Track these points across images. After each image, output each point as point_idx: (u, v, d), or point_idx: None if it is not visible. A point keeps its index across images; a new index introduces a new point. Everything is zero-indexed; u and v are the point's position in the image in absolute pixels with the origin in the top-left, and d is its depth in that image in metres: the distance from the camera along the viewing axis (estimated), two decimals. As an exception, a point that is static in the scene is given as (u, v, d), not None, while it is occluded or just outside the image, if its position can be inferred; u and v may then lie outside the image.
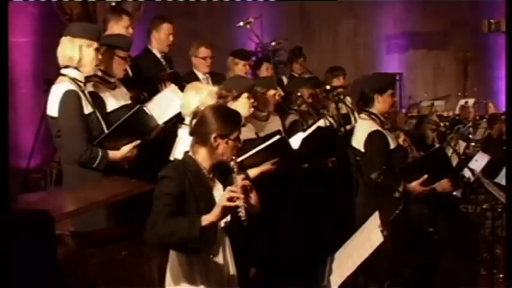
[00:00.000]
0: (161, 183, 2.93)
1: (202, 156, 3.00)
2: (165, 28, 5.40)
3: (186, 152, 3.05)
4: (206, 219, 2.76)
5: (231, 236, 3.07)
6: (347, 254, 3.00)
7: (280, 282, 4.91)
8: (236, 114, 3.12)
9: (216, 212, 2.77)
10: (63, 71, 3.85)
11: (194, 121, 3.03)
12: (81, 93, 3.80)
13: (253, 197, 2.91)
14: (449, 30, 11.83)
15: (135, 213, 3.87)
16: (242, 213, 2.76)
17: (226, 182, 2.98)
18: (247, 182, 2.88)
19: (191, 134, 3.05)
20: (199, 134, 3.00)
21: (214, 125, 2.95)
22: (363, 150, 4.36)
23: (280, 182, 4.51)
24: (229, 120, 3.00)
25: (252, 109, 4.46)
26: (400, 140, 5.29)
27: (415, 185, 4.29)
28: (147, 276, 3.48)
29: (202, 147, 2.99)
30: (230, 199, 2.75)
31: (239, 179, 2.85)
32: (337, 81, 6.49)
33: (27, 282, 1.82)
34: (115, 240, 3.37)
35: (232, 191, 2.77)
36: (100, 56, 3.92)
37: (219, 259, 3.03)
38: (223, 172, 3.05)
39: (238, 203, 2.76)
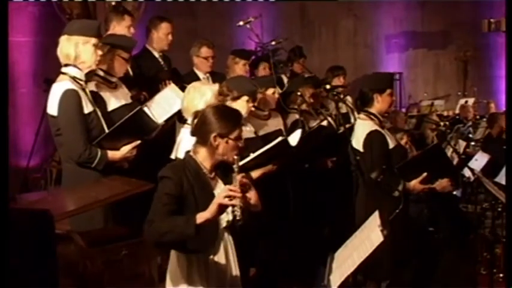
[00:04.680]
0: (161, 183, 2.94)
1: (203, 156, 3.00)
2: (164, 27, 5.40)
3: (187, 152, 3.06)
4: (202, 217, 2.75)
5: (234, 236, 3.07)
6: (347, 254, 3.00)
7: (280, 282, 4.91)
8: (236, 113, 3.10)
9: (211, 209, 2.76)
10: (63, 69, 3.85)
11: (195, 121, 3.04)
12: (81, 92, 3.79)
13: (252, 196, 2.90)
14: (449, 30, 11.84)
15: (134, 213, 3.88)
16: (237, 212, 2.76)
17: (228, 181, 2.97)
18: (246, 180, 2.87)
19: (192, 134, 3.06)
20: (200, 134, 3.00)
21: (214, 124, 2.96)
22: (362, 150, 4.36)
23: (281, 181, 4.51)
24: (228, 119, 3.00)
25: (252, 109, 4.47)
26: (403, 142, 5.30)
27: (414, 183, 4.28)
28: (147, 276, 3.48)
29: (203, 147, 2.99)
30: (227, 197, 2.75)
31: (238, 178, 2.84)
32: (337, 81, 6.49)
33: (27, 282, 1.82)
34: (115, 240, 3.36)
35: (230, 189, 2.77)
36: (100, 52, 3.92)
37: (221, 259, 3.02)
38: (225, 171, 3.05)
39: (234, 201, 2.75)
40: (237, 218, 2.77)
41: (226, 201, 2.75)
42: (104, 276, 1.99)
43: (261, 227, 3.21)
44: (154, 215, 2.84)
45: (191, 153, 3.03)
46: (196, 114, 3.05)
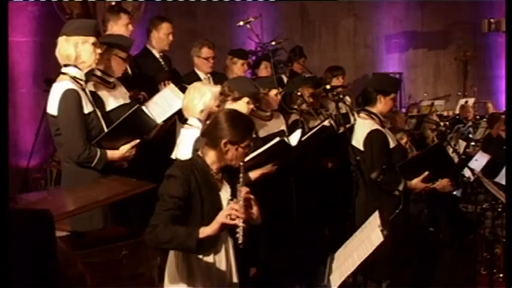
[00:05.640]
0: (167, 182, 2.93)
1: (211, 158, 3.00)
2: (164, 27, 5.40)
3: (196, 151, 3.05)
4: (204, 232, 2.75)
5: (234, 236, 3.06)
6: (347, 254, 3.00)
7: (280, 282, 4.91)
8: (249, 122, 3.11)
9: (214, 226, 2.75)
10: (63, 69, 3.85)
11: (207, 122, 3.03)
12: (81, 92, 3.79)
13: (255, 212, 2.88)
14: (449, 30, 11.83)
15: (134, 213, 3.88)
16: (240, 234, 2.74)
17: (234, 183, 2.97)
18: (251, 196, 2.86)
19: (202, 134, 3.05)
20: (210, 137, 3.00)
21: (227, 131, 2.95)
22: (362, 149, 4.36)
23: (281, 182, 4.51)
24: (241, 127, 3.00)
25: (254, 110, 4.47)
26: (403, 142, 5.30)
27: (416, 182, 4.28)
28: (147, 276, 3.48)
29: (212, 150, 2.99)
30: (230, 216, 2.74)
31: (243, 192, 2.83)
32: (336, 81, 6.48)
33: (27, 282, 1.81)
34: (115, 240, 3.36)
35: (233, 209, 2.75)
36: (99, 51, 3.92)
37: (221, 259, 3.02)
38: (231, 174, 3.05)
39: (237, 222, 2.73)
40: (239, 241, 2.75)
41: (228, 220, 2.73)
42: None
43: (260, 227, 3.20)
44: (157, 219, 2.82)
45: (200, 154, 3.03)
46: (209, 116, 3.04)
